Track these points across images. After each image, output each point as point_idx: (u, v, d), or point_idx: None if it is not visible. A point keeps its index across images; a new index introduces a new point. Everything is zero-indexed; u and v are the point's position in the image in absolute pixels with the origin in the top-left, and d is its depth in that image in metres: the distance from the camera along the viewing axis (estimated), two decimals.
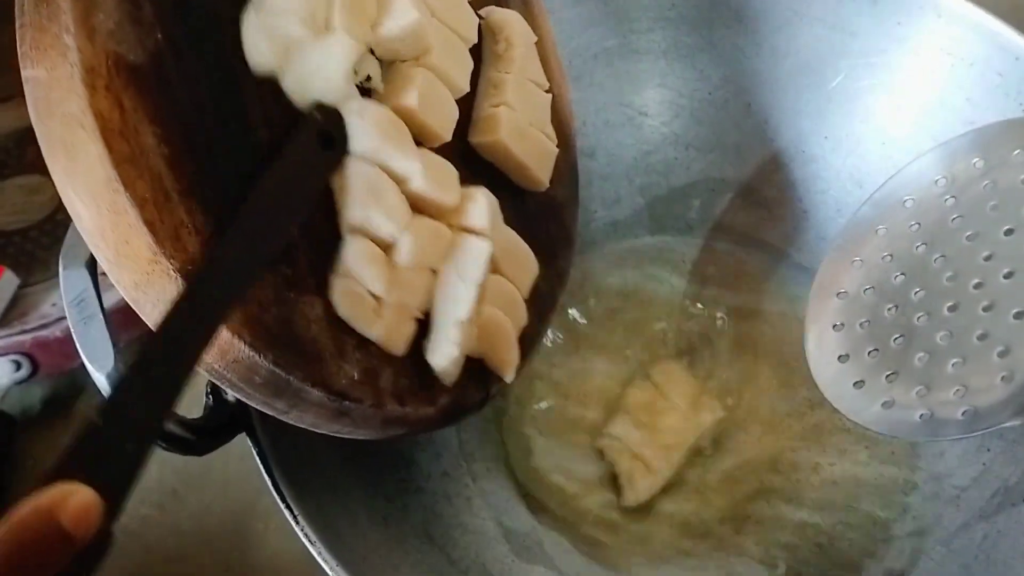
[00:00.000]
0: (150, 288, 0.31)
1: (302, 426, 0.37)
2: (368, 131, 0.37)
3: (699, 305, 0.62)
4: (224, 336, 0.32)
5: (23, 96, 0.31)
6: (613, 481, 0.55)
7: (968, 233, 0.43)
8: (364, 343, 0.37)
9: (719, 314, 0.62)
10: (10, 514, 0.24)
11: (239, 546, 0.58)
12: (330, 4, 0.36)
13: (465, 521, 0.51)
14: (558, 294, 0.49)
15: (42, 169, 0.31)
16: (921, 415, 0.41)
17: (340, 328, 0.36)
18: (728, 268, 0.64)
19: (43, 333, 0.60)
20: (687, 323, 0.62)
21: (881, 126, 0.59)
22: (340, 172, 0.37)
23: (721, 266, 0.64)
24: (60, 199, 0.32)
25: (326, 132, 0.36)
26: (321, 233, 0.36)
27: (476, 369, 0.42)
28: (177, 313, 0.30)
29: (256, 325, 0.33)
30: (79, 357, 0.61)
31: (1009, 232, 0.42)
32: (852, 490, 0.53)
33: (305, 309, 0.35)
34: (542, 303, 0.47)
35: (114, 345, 0.37)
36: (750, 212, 0.64)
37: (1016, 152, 0.43)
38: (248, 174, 0.34)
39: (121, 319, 0.39)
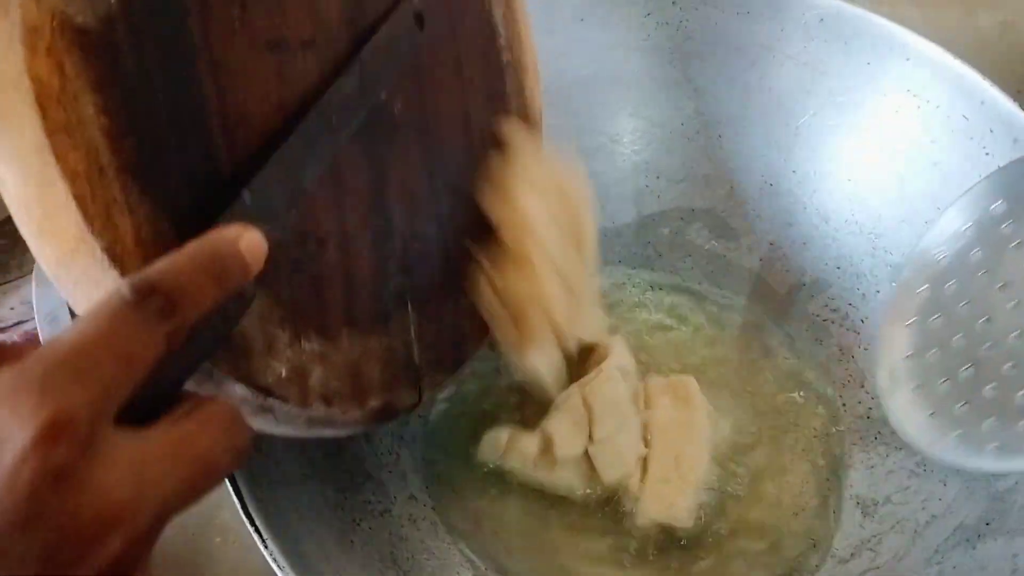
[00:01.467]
0: (74, 265, 0.30)
1: None
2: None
3: (667, 327, 0.63)
4: None
5: None
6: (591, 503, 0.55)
7: None
8: (296, 340, 0.36)
9: (688, 338, 0.63)
10: (203, 235, 0.30)
11: (196, 560, 0.57)
12: None
13: (430, 545, 0.51)
14: None
15: None
16: (993, 447, 0.41)
17: (273, 323, 0.35)
18: (695, 295, 0.64)
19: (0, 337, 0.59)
20: (654, 347, 0.62)
21: (848, 163, 0.60)
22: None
23: (689, 292, 0.65)
24: None
25: (420, 15, 0.41)
26: None
27: (410, 371, 0.42)
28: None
29: None
30: None
31: None
32: (810, 521, 0.54)
33: None
34: None
35: None
36: (718, 242, 0.65)
37: None
38: (190, 155, 0.33)
39: None
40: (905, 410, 0.45)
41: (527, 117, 0.50)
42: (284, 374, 0.35)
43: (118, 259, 0.30)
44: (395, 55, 0.41)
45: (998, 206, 0.45)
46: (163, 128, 0.32)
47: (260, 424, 0.36)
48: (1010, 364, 0.42)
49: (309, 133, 0.36)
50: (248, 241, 0.31)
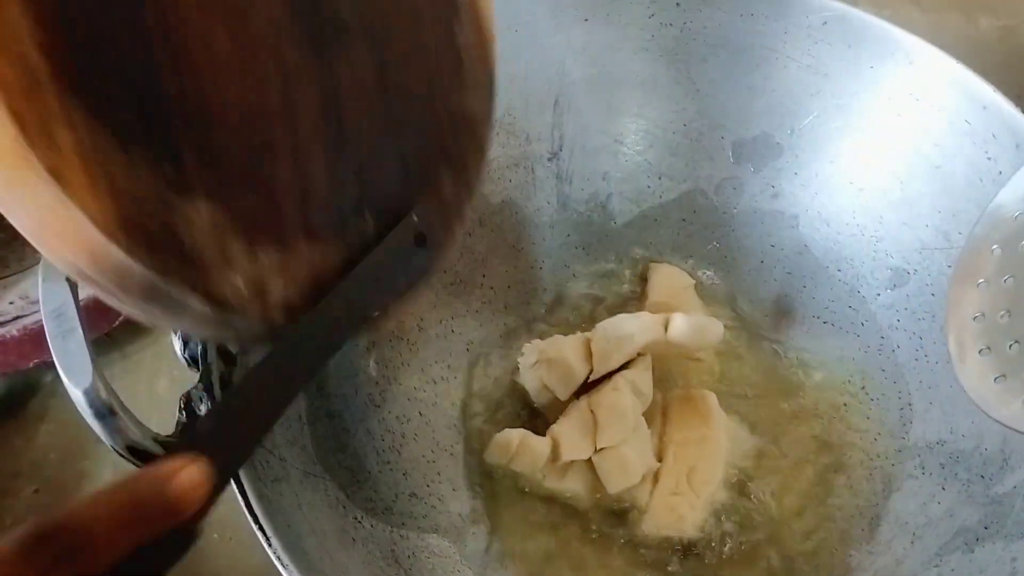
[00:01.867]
0: (15, 187, 0.29)
1: (181, 329, 0.35)
2: None
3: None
4: (97, 240, 0.30)
5: None
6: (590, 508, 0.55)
7: None
8: (254, 252, 0.35)
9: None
10: (138, 470, 0.27)
11: (193, 556, 0.56)
12: None
13: (431, 543, 0.51)
14: (465, 206, 0.47)
15: None
16: None
17: (229, 235, 0.34)
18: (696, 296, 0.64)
19: None
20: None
21: (849, 166, 0.60)
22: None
23: None
24: None
25: (421, 234, 0.41)
26: (211, 132, 0.34)
27: None
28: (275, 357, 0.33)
29: (134, 229, 0.30)
30: (35, 357, 0.60)
31: None
32: (810, 523, 0.54)
33: (190, 213, 0.32)
34: (448, 211, 0.45)
35: (92, 361, 0.36)
36: (719, 243, 0.65)
37: None
38: (130, 63, 0.31)
39: (87, 318, 0.38)
40: (973, 372, 0.43)
41: (479, 31, 0.47)
42: (243, 287, 0.34)
43: (60, 175, 0.29)
44: (388, 275, 0.40)
45: None
46: (100, 38, 0.31)
47: (221, 336, 0.35)
48: None
49: (286, 356, 0.34)
50: (186, 479, 0.27)
